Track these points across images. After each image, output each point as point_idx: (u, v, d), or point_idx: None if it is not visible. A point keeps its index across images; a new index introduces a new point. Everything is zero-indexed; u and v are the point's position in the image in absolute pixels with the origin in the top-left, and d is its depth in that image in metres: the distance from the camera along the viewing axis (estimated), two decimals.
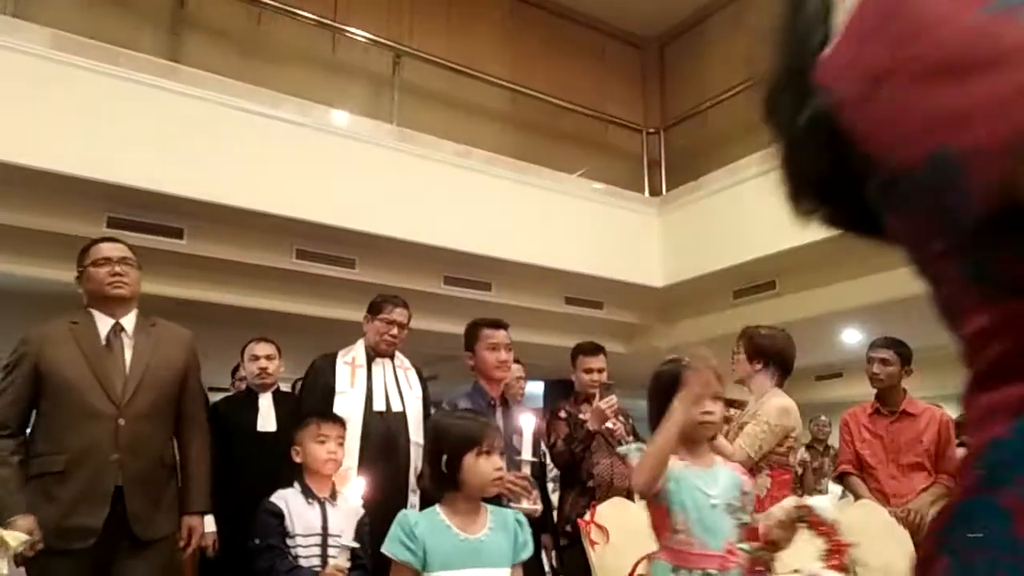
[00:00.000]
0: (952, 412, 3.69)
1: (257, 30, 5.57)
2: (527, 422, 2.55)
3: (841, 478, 3.65)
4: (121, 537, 2.39)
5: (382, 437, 2.98)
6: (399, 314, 3.17)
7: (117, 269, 2.54)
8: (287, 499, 2.42)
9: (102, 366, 2.45)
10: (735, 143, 6.27)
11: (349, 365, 3.09)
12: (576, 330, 5.53)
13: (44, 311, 4.83)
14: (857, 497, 3.49)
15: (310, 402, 3.03)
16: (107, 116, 4.06)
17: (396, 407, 3.06)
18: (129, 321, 2.57)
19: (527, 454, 2.55)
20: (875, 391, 3.62)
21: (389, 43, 5.85)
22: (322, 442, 2.50)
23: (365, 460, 2.88)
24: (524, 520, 1.95)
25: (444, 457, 1.84)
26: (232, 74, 4.73)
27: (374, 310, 3.19)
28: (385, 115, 5.51)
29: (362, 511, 2.31)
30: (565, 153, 6.57)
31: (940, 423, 3.48)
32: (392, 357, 3.19)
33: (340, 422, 2.63)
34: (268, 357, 3.75)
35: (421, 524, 1.80)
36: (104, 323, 2.53)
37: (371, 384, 3.06)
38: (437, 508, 1.86)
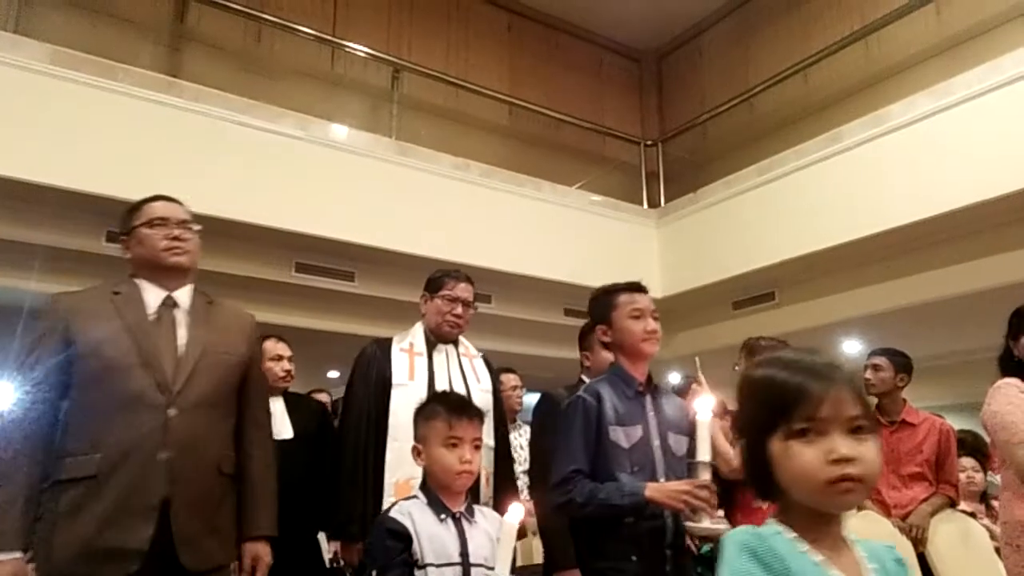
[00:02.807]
0: (953, 422, 3.68)
1: (256, 45, 5.60)
2: (703, 408, 1.94)
3: None
4: (163, 569, 1.87)
5: None
6: (463, 290, 2.70)
7: (176, 232, 2.11)
8: (412, 515, 1.81)
9: (150, 344, 1.97)
10: (733, 155, 6.31)
11: (407, 353, 2.61)
12: (576, 342, 5.52)
13: None
14: (859, 507, 3.48)
15: (361, 396, 2.55)
16: (106, 131, 4.07)
17: None
18: (184, 295, 2.11)
19: (704, 454, 1.93)
20: (875, 401, 3.62)
21: (388, 58, 5.88)
22: (453, 445, 1.87)
23: None
24: (905, 560, 1.14)
25: (744, 442, 1.10)
26: (231, 89, 4.74)
27: (433, 287, 2.72)
28: (384, 129, 5.53)
29: (514, 528, 1.70)
30: (563, 165, 6.58)
31: (940, 433, 3.47)
32: (456, 343, 2.73)
33: (479, 417, 1.96)
34: (289, 359, 3.43)
35: (781, 549, 1.02)
36: (154, 295, 2.06)
37: (433, 375, 2.59)
38: (777, 525, 1.05)
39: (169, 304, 2.07)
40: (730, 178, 5.76)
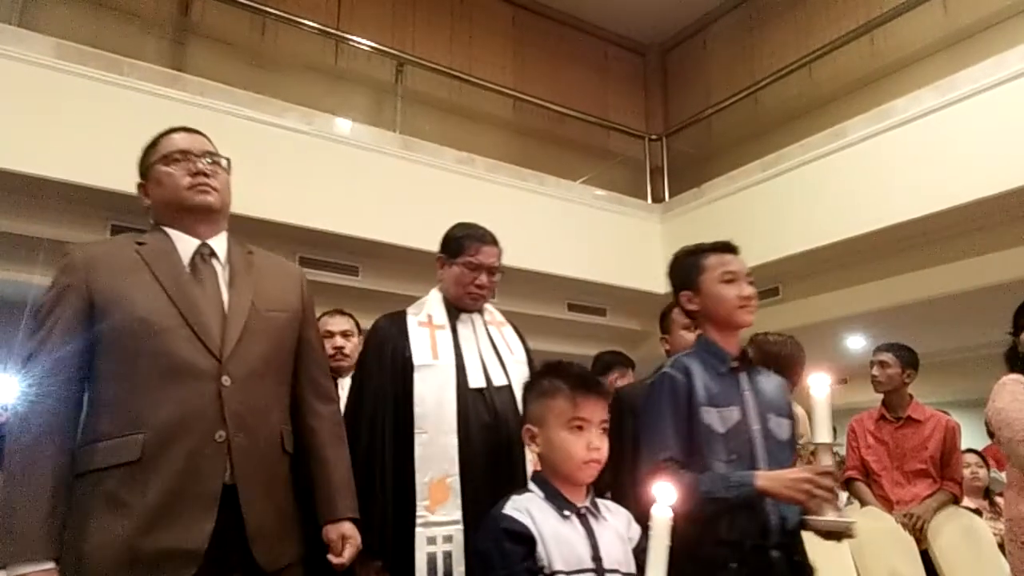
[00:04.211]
0: (959, 418, 3.68)
1: (261, 39, 5.60)
2: (819, 384, 1.68)
3: (847, 484, 3.64)
4: (230, 569, 1.55)
5: (488, 426, 2.08)
6: (488, 254, 2.33)
7: (200, 166, 1.80)
8: (531, 512, 1.52)
9: (189, 301, 1.63)
10: (737, 149, 6.29)
11: (426, 327, 2.20)
12: (579, 337, 5.53)
13: None
14: (863, 503, 3.49)
15: (376, 381, 2.14)
16: (111, 125, 4.07)
17: (499, 380, 2.16)
18: (220, 243, 1.79)
19: (823, 434, 1.68)
20: (881, 397, 3.62)
21: (392, 51, 5.87)
22: (579, 428, 1.58)
23: (468, 459, 2.02)
24: None
25: None
26: (236, 83, 4.74)
27: (452, 250, 2.35)
28: (388, 123, 5.53)
29: (667, 525, 1.36)
30: (567, 160, 6.58)
31: (945, 429, 3.47)
32: (481, 311, 2.33)
33: (607, 395, 1.68)
34: (344, 334, 3.10)
35: None
36: (186, 244, 1.73)
37: (460, 351, 2.18)
38: None
39: (206, 254, 1.75)
40: (734, 173, 5.75)
